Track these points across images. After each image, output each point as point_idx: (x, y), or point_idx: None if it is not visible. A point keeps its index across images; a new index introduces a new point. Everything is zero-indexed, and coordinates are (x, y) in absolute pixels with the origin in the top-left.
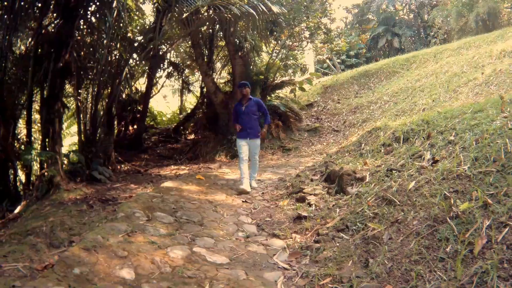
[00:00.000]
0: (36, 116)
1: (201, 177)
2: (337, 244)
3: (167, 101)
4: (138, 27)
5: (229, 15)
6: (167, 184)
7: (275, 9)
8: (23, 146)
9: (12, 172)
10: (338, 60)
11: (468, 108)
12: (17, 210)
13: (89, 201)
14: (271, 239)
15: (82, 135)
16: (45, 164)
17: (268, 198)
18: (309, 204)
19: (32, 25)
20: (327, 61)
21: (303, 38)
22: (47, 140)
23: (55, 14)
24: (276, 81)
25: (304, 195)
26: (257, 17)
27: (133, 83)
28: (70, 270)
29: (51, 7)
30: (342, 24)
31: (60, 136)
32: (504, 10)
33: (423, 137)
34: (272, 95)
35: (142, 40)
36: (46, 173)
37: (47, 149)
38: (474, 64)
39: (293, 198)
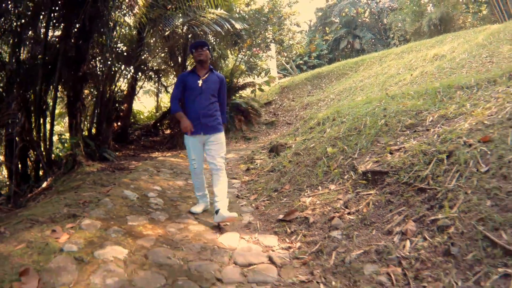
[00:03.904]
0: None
1: (183, 156)
2: (267, 177)
3: (141, 101)
4: (124, 38)
5: (201, 32)
6: (161, 158)
7: (238, 26)
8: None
9: (34, 157)
10: (301, 61)
11: (364, 101)
12: (45, 184)
13: (109, 169)
14: (231, 179)
15: (85, 127)
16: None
17: (231, 165)
18: (256, 163)
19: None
20: (286, 65)
21: (263, 47)
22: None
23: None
24: (239, 83)
25: (254, 159)
26: (223, 33)
27: (119, 86)
28: (128, 185)
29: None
30: (307, 26)
31: (81, 126)
32: (461, 14)
33: (331, 120)
34: (237, 95)
35: (130, 51)
36: (71, 153)
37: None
38: (409, 66)
39: (247, 163)
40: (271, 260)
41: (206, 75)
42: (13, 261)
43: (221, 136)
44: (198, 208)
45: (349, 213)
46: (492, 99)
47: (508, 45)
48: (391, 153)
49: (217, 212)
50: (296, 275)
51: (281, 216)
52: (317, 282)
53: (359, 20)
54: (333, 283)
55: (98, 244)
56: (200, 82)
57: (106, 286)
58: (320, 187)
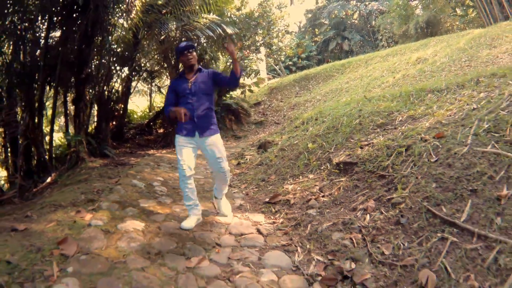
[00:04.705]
0: None
1: None
2: (256, 170)
3: (133, 101)
4: (121, 41)
5: (194, 36)
6: (158, 155)
7: (229, 30)
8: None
9: (36, 155)
10: (290, 62)
11: (344, 103)
12: (49, 179)
13: (111, 165)
14: None
15: (84, 126)
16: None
17: None
18: (246, 159)
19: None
20: (275, 66)
21: (253, 50)
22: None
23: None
24: None
25: (244, 155)
26: (215, 38)
27: (116, 87)
28: (135, 176)
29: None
30: (296, 28)
31: (83, 125)
32: (448, 17)
33: (314, 120)
34: (227, 95)
35: (126, 54)
36: (75, 150)
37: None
38: (393, 69)
39: (238, 159)
40: (258, 231)
41: (195, 77)
42: (48, 235)
43: (218, 137)
44: (189, 223)
45: (323, 196)
46: (456, 101)
47: (487, 49)
48: (361, 148)
49: (215, 197)
50: (279, 241)
51: (267, 199)
52: (295, 246)
53: (348, 22)
54: (308, 246)
55: (119, 220)
56: (189, 84)
57: (131, 248)
58: (301, 177)
